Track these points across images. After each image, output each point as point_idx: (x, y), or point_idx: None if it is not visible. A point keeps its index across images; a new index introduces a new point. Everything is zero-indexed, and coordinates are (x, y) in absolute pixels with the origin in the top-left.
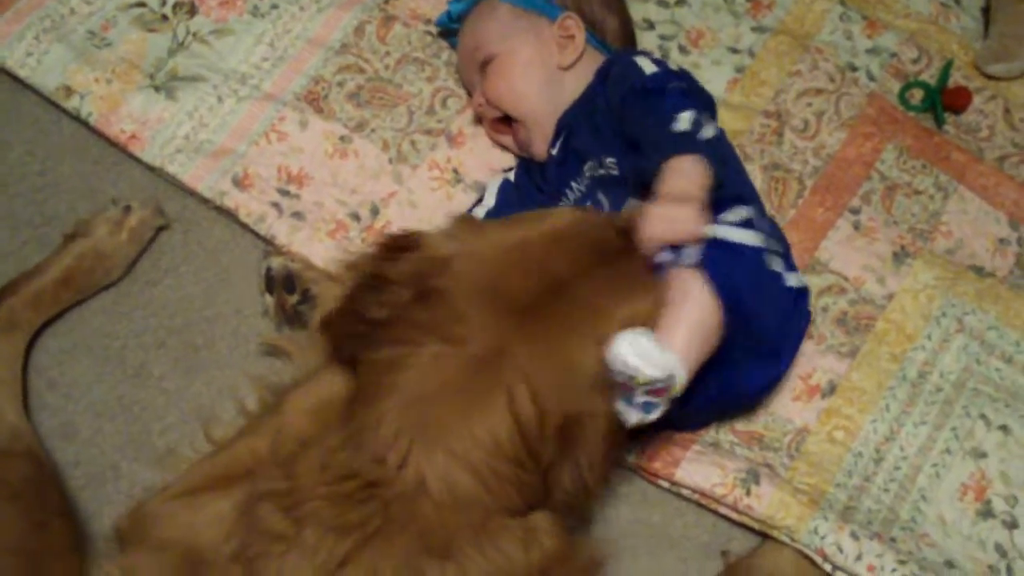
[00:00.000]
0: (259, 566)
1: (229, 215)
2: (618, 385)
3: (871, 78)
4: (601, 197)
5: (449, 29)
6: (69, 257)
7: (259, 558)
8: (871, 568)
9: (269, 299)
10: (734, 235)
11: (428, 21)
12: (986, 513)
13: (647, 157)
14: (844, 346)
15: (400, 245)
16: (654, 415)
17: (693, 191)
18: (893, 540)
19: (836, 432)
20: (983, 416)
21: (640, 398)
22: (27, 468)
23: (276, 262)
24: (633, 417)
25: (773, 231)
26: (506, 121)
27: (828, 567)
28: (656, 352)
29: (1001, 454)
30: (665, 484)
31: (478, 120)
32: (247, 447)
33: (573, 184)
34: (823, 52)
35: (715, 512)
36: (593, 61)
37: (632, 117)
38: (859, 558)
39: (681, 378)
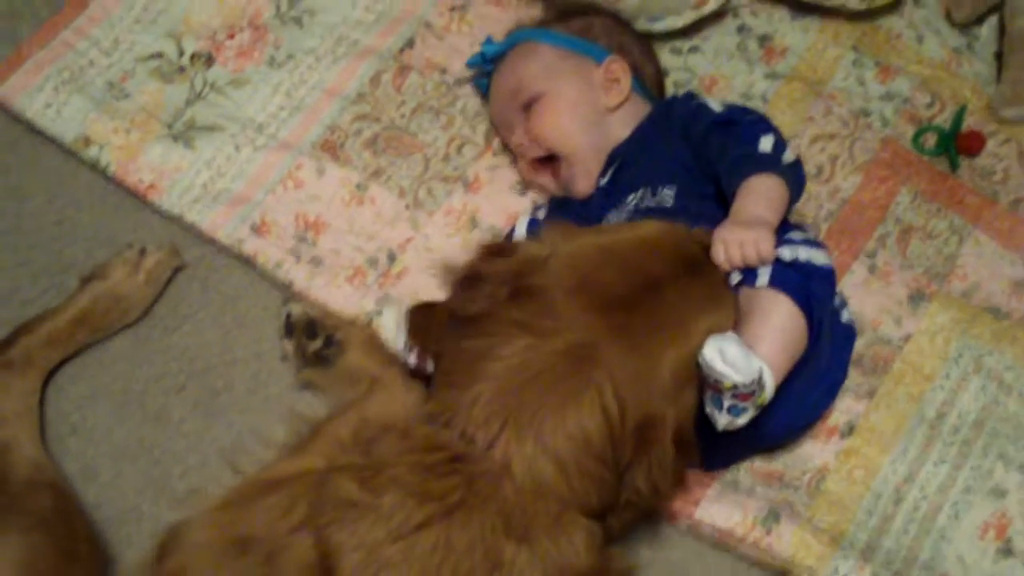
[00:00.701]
0: (329, 533)
1: (247, 261)
2: (709, 386)
3: (885, 123)
4: None
5: (482, 71)
6: (85, 298)
7: (330, 524)
8: None
9: (288, 343)
10: (803, 253)
11: (443, 71)
12: (1007, 552)
13: (727, 180)
14: (862, 387)
15: (496, 250)
16: (742, 420)
17: (765, 214)
18: None
19: (856, 472)
20: (1002, 456)
21: (728, 401)
22: (52, 498)
23: (296, 308)
24: (722, 420)
25: None
26: (545, 161)
27: None
28: (742, 358)
29: (1021, 494)
30: (684, 524)
31: (513, 161)
32: (287, 466)
33: (612, 213)
34: (836, 98)
35: (734, 553)
36: (637, 105)
37: (715, 147)
38: None
39: (770, 385)
